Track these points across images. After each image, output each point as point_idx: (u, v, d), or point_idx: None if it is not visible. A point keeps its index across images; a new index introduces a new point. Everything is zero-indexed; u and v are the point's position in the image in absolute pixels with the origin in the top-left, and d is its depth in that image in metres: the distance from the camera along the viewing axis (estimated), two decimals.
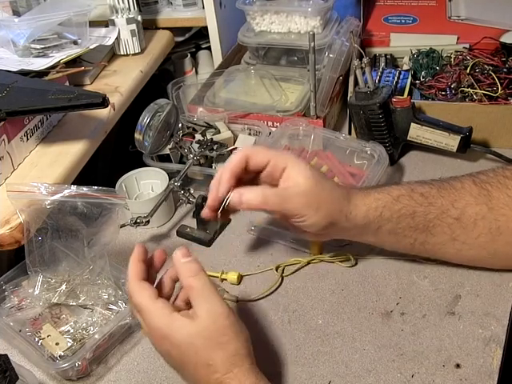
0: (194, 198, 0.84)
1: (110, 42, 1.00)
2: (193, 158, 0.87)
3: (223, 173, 0.64)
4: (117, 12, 1.04)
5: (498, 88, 0.93)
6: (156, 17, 1.17)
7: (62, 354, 0.65)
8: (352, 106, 0.92)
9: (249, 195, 0.63)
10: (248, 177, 0.67)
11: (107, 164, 1.01)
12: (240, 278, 0.77)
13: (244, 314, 0.71)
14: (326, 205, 0.64)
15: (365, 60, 0.89)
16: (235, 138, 0.95)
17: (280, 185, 0.66)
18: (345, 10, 1.18)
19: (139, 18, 1.06)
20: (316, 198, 0.64)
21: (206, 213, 0.67)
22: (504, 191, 0.67)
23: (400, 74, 1.04)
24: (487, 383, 0.61)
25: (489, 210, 0.66)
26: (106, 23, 1.05)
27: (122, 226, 0.79)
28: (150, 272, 0.62)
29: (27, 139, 0.80)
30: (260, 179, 0.67)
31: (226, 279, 0.77)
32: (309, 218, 0.64)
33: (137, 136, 0.82)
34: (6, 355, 0.56)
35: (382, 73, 1.05)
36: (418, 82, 1.02)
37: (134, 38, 1.05)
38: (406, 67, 1.06)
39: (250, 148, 0.67)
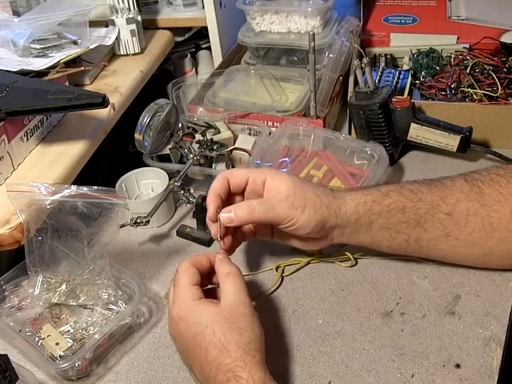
0: (194, 197, 0.84)
1: (109, 42, 1.00)
2: (193, 157, 0.87)
3: (208, 196, 0.68)
4: (117, 12, 1.04)
5: (498, 88, 0.93)
6: (156, 17, 1.17)
7: (62, 354, 0.65)
8: (352, 105, 0.92)
9: (236, 210, 0.66)
10: (234, 199, 0.70)
11: (107, 164, 1.01)
12: None
13: None
14: (311, 202, 0.66)
15: (365, 60, 0.89)
16: (235, 137, 0.95)
17: (264, 196, 0.68)
18: (345, 10, 1.18)
19: (139, 18, 1.06)
20: (299, 198, 0.66)
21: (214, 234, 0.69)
22: (496, 188, 0.67)
23: (400, 73, 1.04)
24: (487, 383, 0.61)
25: (481, 206, 0.66)
26: (106, 23, 1.05)
27: (122, 226, 0.79)
28: (209, 275, 0.67)
29: (27, 139, 0.80)
30: (246, 198, 0.70)
31: None
32: (297, 220, 0.65)
33: (137, 136, 0.82)
34: (5, 355, 0.56)
35: (381, 73, 1.05)
36: (418, 82, 1.02)
37: (133, 38, 1.05)
38: (406, 67, 1.06)
39: (228, 170, 0.70)
